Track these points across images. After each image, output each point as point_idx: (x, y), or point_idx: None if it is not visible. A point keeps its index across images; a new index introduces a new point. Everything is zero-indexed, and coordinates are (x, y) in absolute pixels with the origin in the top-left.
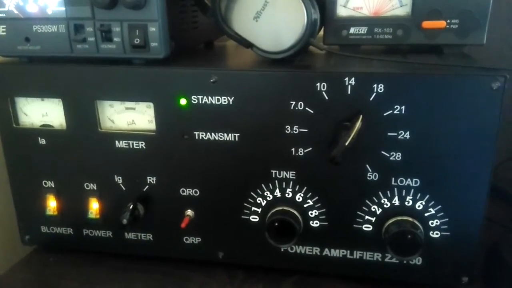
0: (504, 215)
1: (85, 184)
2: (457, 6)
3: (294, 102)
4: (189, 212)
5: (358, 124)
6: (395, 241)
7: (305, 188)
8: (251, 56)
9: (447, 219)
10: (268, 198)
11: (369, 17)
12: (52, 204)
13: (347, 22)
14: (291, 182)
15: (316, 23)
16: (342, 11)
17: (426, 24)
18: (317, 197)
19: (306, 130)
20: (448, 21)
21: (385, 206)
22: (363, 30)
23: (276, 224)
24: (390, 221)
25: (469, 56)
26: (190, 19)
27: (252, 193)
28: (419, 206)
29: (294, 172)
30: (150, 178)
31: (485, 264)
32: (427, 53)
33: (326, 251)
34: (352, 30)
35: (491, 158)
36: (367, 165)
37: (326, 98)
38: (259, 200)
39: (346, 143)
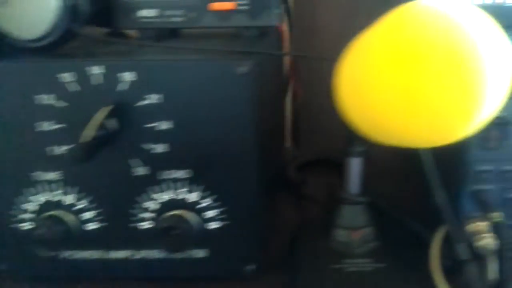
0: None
1: None
2: None
3: (40, 96)
4: None
5: (98, 117)
6: (166, 237)
7: (76, 188)
8: None
9: (225, 209)
10: (39, 203)
11: None
12: None
13: (136, 4)
14: (60, 184)
15: (76, 7)
16: None
17: (215, 5)
18: (91, 198)
19: (63, 126)
20: (239, 2)
21: (157, 201)
22: (154, 12)
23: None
24: (163, 216)
25: (261, 40)
26: None
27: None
28: (193, 198)
29: (59, 173)
30: None
31: (286, 252)
32: (225, 37)
33: (110, 254)
34: (142, 12)
35: (256, 144)
36: (129, 161)
37: (72, 90)
38: (27, 206)
39: (83, 140)
